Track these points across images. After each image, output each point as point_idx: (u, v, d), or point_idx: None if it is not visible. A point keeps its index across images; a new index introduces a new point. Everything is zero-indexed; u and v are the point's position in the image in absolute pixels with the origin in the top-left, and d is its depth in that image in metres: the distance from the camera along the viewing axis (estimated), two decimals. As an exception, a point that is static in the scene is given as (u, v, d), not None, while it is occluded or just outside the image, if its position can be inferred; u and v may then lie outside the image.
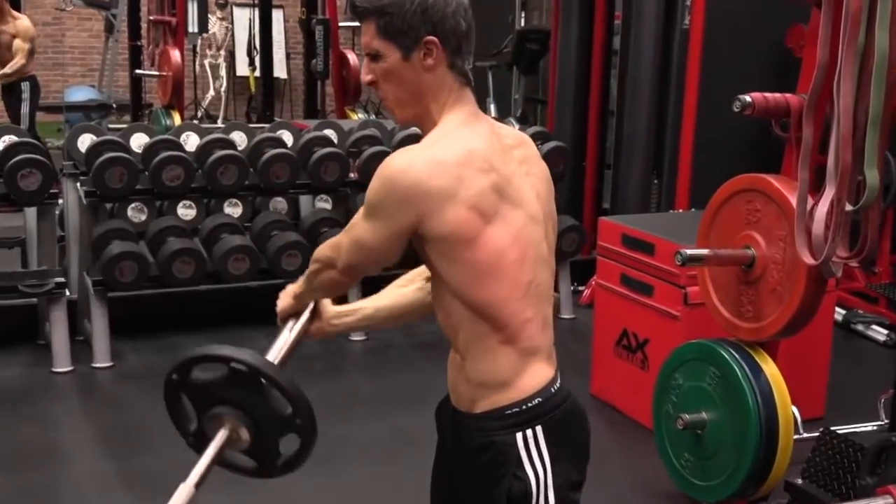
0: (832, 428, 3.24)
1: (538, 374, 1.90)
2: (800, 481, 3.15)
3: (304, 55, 9.12)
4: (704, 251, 3.07)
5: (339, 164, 5.22)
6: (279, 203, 5.78)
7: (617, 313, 4.25)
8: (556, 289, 5.78)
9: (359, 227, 1.86)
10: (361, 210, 1.86)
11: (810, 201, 2.83)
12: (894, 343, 5.30)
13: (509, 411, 1.87)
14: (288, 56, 11.60)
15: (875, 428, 3.61)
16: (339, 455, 4.05)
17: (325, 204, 5.78)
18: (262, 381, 1.74)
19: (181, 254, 4.89)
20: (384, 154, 5.25)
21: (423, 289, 2.03)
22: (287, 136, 5.61)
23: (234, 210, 5.65)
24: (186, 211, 5.50)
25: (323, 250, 1.96)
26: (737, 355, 3.08)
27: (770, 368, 3.07)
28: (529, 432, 1.87)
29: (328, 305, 2.09)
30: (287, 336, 1.99)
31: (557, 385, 1.92)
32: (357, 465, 4.00)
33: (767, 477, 3.04)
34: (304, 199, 5.80)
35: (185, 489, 1.68)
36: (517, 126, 5.97)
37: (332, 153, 5.22)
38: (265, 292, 5.41)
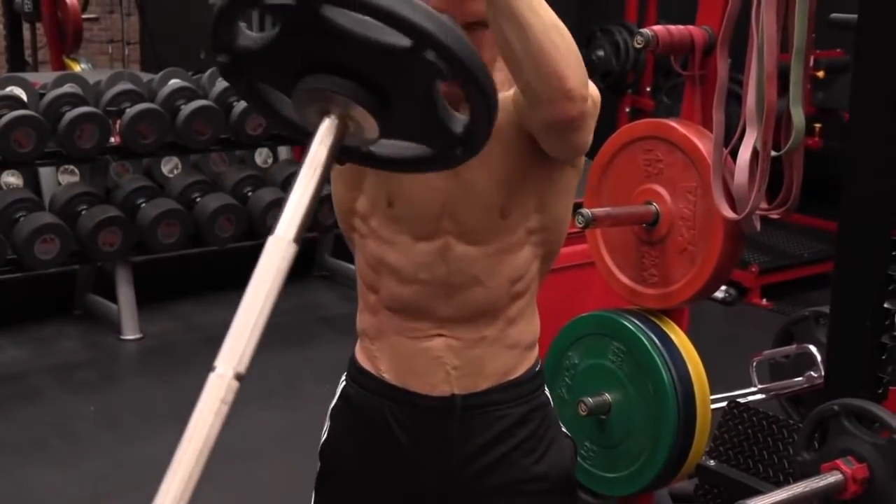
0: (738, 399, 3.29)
1: None
2: (712, 463, 3.17)
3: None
4: (605, 210, 3.01)
5: (98, 127, 4.83)
6: (11, 178, 5.30)
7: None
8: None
9: None
10: None
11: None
12: (733, 299, 5.53)
13: (538, 367, 1.90)
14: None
15: (763, 396, 3.72)
16: (140, 481, 3.72)
17: (71, 177, 5.36)
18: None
19: None
20: (153, 113, 4.95)
21: None
22: (20, 94, 5.14)
23: (-53, 189, 5.14)
24: None
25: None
26: (643, 326, 3.04)
27: (680, 339, 3.07)
28: (546, 386, 1.95)
29: None
30: None
31: None
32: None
33: (685, 462, 3.04)
34: (46, 173, 5.35)
35: (279, 244, 1.05)
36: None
37: (88, 114, 4.83)
38: (12, 287, 5.16)
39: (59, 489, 3.73)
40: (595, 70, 6.13)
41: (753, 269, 5.62)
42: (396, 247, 1.76)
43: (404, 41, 1.07)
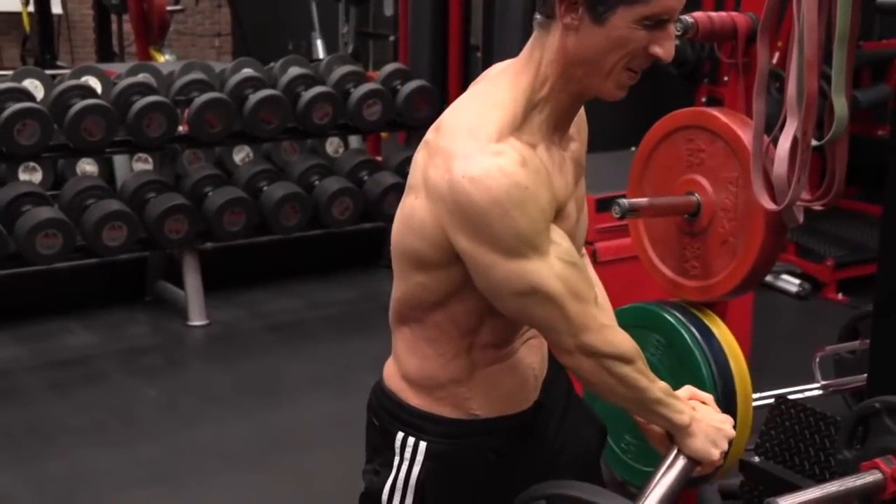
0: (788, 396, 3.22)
1: None
2: (756, 459, 3.11)
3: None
4: (644, 200, 2.96)
5: (166, 116, 4.91)
6: (87, 166, 5.42)
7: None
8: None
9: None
10: None
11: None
12: (807, 294, 5.40)
13: None
14: (64, -14, 10.95)
15: (821, 392, 3.63)
16: (195, 466, 3.84)
17: (144, 164, 5.46)
18: None
19: (-25, 233, 4.52)
20: (220, 102, 5.03)
21: None
22: (95, 84, 5.26)
23: (31, 176, 5.27)
24: (-29, 181, 5.10)
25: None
26: (683, 319, 2.98)
27: (722, 332, 3.00)
28: None
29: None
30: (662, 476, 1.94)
31: None
32: (220, 475, 3.80)
33: (726, 457, 2.98)
34: (120, 161, 5.45)
35: None
36: (349, 65, 5.80)
37: (156, 103, 4.91)
38: (82, 274, 5.29)
39: (115, 471, 3.80)
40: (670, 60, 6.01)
41: (829, 263, 5.48)
42: None
43: None
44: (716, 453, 1.87)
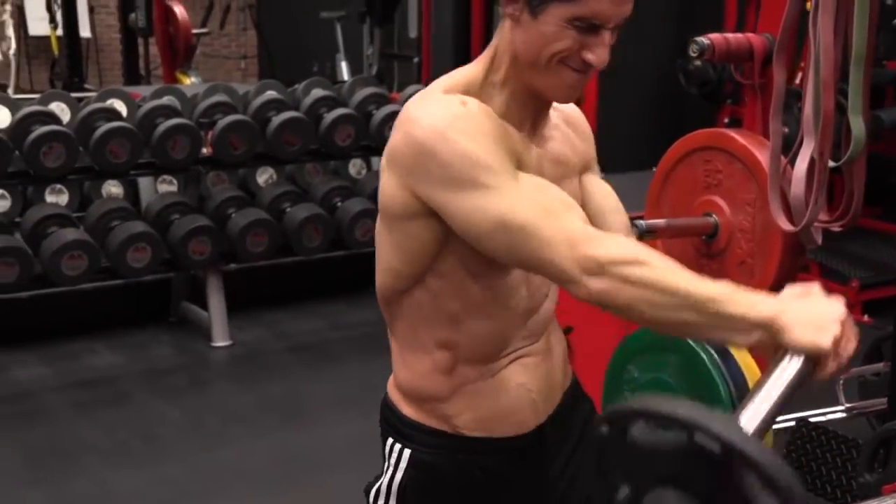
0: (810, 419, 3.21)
1: None
2: (777, 481, 3.09)
3: (118, 9, 8.80)
4: (662, 221, 2.97)
5: (190, 138, 4.96)
6: (113, 188, 5.47)
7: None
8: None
9: None
10: None
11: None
12: (831, 315, 5.36)
13: None
14: (91, 10, 11.07)
15: (845, 414, 3.61)
16: (218, 486, 3.86)
17: (169, 186, 5.50)
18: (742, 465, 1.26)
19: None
20: (243, 124, 5.06)
21: None
22: (120, 107, 5.31)
23: (58, 198, 5.32)
24: None
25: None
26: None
27: (740, 353, 3.00)
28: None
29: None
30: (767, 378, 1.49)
31: None
32: (243, 495, 3.81)
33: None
34: (145, 182, 5.50)
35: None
36: (372, 87, 5.84)
37: (180, 125, 4.96)
38: (106, 295, 5.34)
39: (138, 492, 3.82)
40: (692, 80, 6.01)
41: (854, 285, 5.44)
42: (483, 279, 1.72)
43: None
44: (824, 338, 1.43)
